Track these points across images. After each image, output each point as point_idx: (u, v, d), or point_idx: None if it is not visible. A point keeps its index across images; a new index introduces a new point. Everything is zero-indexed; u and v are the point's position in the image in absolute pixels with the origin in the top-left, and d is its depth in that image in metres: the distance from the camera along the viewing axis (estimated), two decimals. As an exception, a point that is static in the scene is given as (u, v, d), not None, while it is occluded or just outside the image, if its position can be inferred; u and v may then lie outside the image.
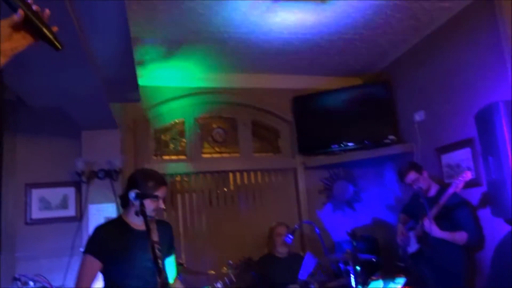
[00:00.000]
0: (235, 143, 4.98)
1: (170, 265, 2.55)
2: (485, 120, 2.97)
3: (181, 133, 4.80)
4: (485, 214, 3.43)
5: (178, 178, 4.68)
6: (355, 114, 4.77)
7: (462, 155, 3.60)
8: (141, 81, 4.15)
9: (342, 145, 4.78)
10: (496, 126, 2.82)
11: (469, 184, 3.56)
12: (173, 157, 4.76)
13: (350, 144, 4.76)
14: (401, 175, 3.54)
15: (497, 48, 3.34)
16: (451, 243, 3.27)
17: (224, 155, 4.93)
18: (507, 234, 2.80)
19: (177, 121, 4.80)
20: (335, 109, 4.85)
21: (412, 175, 3.46)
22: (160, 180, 2.34)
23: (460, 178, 3.13)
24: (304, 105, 4.97)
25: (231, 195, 4.83)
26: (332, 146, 4.82)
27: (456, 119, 3.79)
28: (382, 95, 4.77)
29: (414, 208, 3.63)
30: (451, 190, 3.15)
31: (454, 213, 3.19)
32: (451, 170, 3.79)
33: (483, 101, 3.27)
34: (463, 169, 3.22)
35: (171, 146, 4.76)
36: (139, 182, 2.28)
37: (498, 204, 2.96)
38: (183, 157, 4.76)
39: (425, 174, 3.51)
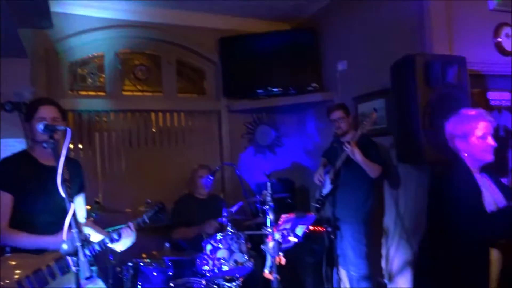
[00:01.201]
0: (159, 82, 4.81)
1: (80, 204, 2.49)
2: (400, 71, 3.12)
3: (100, 68, 4.52)
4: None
5: (96, 117, 4.47)
6: (281, 59, 4.80)
7: (377, 105, 3.79)
8: (56, 7, 3.81)
9: (267, 90, 4.81)
10: (408, 77, 2.98)
11: (380, 132, 3.81)
12: (91, 93, 4.51)
13: (275, 89, 4.80)
14: (329, 111, 3.72)
15: (417, 2, 3.47)
16: (360, 184, 3.52)
17: (146, 93, 4.76)
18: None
19: (96, 54, 4.50)
20: (262, 53, 4.82)
21: (339, 113, 3.64)
22: (40, 101, 2.27)
23: (367, 119, 3.33)
24: (231, 47, 4.88)
25: (153, 135, 4.73)
26: (257, 91, 4.84)
27: (374, 70, 3.95)
28: (308, 42, 4.81)
29: (331, 152, 3.83)
30: (360, 131, 3.36)
31: (365, 152, 3.40)
32: (364, 119, 4.00)
33: (400, 53, 3.42)
34: (370, 111, 3.40)
35: (89, 81, 4.48)
36: (27, 112, 2.17)
37: (404, 151, 3.20)
38: (102, 93, 4.53)
39: (350, 118, 3.71)
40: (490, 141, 2.16)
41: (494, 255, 2.14)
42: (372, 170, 3.44)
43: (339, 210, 3.47)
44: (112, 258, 3.19)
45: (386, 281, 3.89)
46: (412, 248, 3.59)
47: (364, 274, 3.56)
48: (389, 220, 3.87)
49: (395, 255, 3.82)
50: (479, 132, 2.16)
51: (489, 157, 2.19)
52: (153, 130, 4.73)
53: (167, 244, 3.48)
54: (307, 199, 4.97)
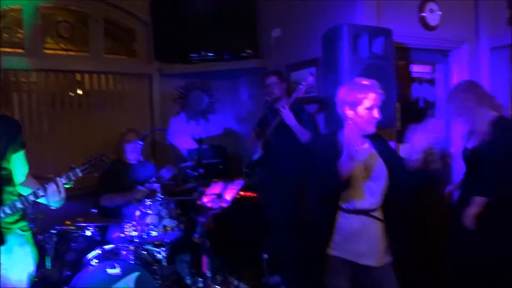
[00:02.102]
0: (85, 41, 4.51)
1: (19, 161, 2.34)
2: (330, 41, 3.17)
3: (18, 23, 4.14)
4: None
5: (14, 76, 4.13)
6: (216, 23, 4.67)
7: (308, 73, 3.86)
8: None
9: (200, 54, 4.71)
10: (338, 47, 3.05)
11: (311, 101, 3.91)
12: (8, 50, 4.13)
13: (209, 54, 4.71)
14: (265, 76, 3.77)
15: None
16: (290, 150, 3.61)
17: (71, 53, 4.46)
18: None
19: (12, 7, 4.11)
20: (196, 16, 4.66)
21: (273, 79, 3.69)
22: None
23: (303, 83, 3.39)
24: (164, 7, 4.67)
25: (78, 98, 4.47)
26: (191, 55, 4.72)
27: (307, 39, 4.00)
28: (244, 7, 4.72)
29: (264, 120, 3.87)
30: (295, 95, 3.41)
31: (297, 118, 3.47)
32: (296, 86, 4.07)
33: (331, 23, 3.48)
34: (303, 79, 3.46)
35: (5, 36, 4.10)
36: None
37: (331, 118, 3.30)
38: (20, 50, 4.17)
39: (284, 85, 3.75)
40: (375, 113, 2.17)
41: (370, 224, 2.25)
42: (303, 135, 3.52)
43: (269, 175, 3.55)
44: (33, 226, 3.03)
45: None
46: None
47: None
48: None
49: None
50: (367, 103, 2.16)
51: (371, 129, 2.21)
52: (79, 92, 4.47)
53: (94, 210, 3.38)
54: (240, 165, 5.02)
